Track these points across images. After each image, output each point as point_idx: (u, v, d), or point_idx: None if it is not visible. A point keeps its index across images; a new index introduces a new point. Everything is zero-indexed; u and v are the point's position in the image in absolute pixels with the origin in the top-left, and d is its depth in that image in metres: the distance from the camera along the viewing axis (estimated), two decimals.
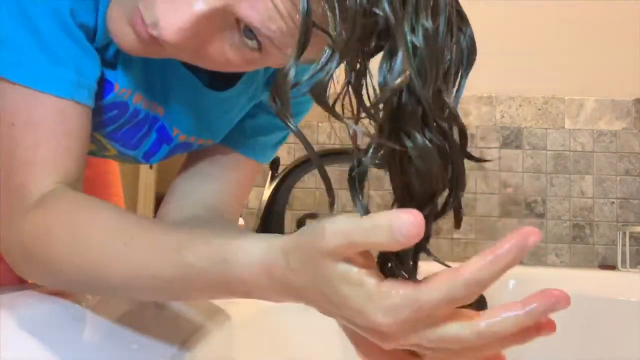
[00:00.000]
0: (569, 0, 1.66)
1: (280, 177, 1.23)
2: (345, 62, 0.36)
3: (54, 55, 0.51)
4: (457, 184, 0.38)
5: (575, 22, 1.68)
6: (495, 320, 0.34)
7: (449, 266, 0.34)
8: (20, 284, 0.54)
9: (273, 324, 0.93)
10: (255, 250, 0.38)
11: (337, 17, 0.35)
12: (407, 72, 0.35)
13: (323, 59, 0.35)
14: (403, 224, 0.31)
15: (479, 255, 0.32)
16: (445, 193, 0.38)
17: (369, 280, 0.34)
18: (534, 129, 1.68)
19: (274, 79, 0.36)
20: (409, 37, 0.36)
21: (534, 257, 1.65)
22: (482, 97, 1.69)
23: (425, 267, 0.37)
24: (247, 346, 0.76)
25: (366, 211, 0.34)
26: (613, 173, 1.66)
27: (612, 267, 1.56)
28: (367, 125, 0.37)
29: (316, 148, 1.75)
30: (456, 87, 0.40)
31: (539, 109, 1.68)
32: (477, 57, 0.41)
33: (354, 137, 0.37)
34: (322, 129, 1.68)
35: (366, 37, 0.38)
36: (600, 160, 1.66)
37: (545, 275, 1.47)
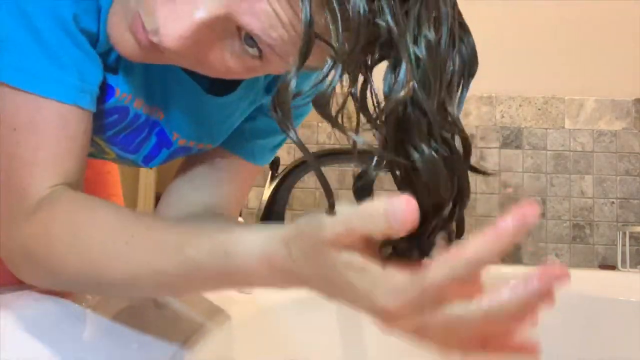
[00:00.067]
0: (569, 0, 1.66)
1: (280, 177, 1.23)
2: (347, 73, 0.37)
3: (57, 60, 0.51)
4: (461, 195, 0.38)
5: (575, 22, 1.68)
6: (500, 298, 0.34)
7: None
8: (20, 284, 0.54)
9: (273, 324, 0.93)
10: (256, 242, 0.39)
11: (340, 28, 0.36)
12: (411, 84, 0.35)
13: (325, 70, 0.35)
14: (397, 211, 0.32)
15: (479, 235, 0.33)
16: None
17: (373, 265, 0.34)
18: (534, 129, 1.68)
19: (276, 89, 0.36)
20: (411, 49, 0.36)
21: (534, 257, 1.65)
22: (482, 97, 1.69)
23: None
24: (247, 346, 0.76)
25: None
26: (613, 173, 1.66)
27: (612, 267, 1.56)
28: (371, 136, 0.37)
29: (316, 148, 1.75)
30: (458, 97, 0.40)
31: (539, 109, 1.68)
32: (477, 57, 0.41)
33: (355, 147, 0.37)
34: (322, 129, 1.68)
35: (368, 48, 0.38)
36: (600, 160, 1.66)
37: None
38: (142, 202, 1.47)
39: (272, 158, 0.76)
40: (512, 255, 1.66)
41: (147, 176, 1.46)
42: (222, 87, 0.64)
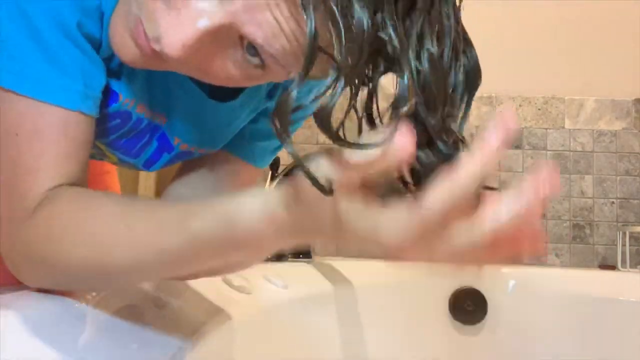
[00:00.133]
0: (569, 0, 1.66)
1: (280, 177, 1.23)
2: (349, 86, 0.37)
3: (61, 66, 0.51)
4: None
5: (575, 22, 1.68)
6: (498, 207, 0.34)
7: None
8: (20, 283, 0.54)
9: (273, 324, 0.93)
10: (258, 204, 0.40)
11: (343, 41, 0.36)
12: (413, 100, 0.36)
13: (327, 83, 0.35)
14: (394, 140, 0.32)
15: (469, 155, 0.33)
16: None
17: (374, 207, 0.35)
18: (534, 129, 1.68)
19: (277, 101, 0.36)
20: (413, 63, 0.37)
21: (534, 257, 1.65)
22: (482, 97, 1.69)
23: None
24: (247, 346, 0.76)
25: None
26: (613, 173, 1.66)
27: (612, 267, 1.56)
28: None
29: (316, 148, 1.75)
30: (462, 111, 0.40)
31: (539, 109, 1.68)
32: (481, 71, 0.41)
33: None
34: None
35: (372, 61, 0.38)
36: (600, 160, 1.66)
37: (545, 275, 1.47)
38: None
39: (272, 160, 0.76)
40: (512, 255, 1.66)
41: (147, 179, 1.46)
42: (224, 92, 0.63)
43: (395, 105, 0.36)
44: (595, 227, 1.65)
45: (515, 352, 1.37)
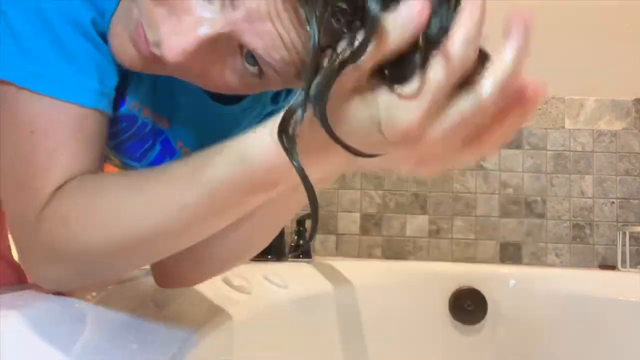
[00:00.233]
0: (569, 1, 1.66)
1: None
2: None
3: (77, 64, 0.51)
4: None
5: (575, 22, 1.68)
6: (492, 71, 0.36)
7: None
8: (20, 283, 0.54)
9: (273, 324, 0.93)
10: (266, 135, 0.40)
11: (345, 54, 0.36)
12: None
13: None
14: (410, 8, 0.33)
15: (457, 24, 0.35)
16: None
17: (381, 93, 0.36)
18: (534, 129, 1.68)
19: (282, 116, 0.36)
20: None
21: (534, 257, 1.65)
22: None
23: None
24: (247, 346, 0.76)
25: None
26: (613, 173, 1.66)
27: (612, 267, 1.56)
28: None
29: None
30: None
31: (539, 109, 1.68)
32: None
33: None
34: None
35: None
36: (600, 160, 1.66)
37: (545, 275, 1.47)
38: None
39: None
40: (512, 255, 1.66)
41: None
42: (228, 97, 0.63)
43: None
44: (595, 227, 1.65)
45: (515, 352, 1.37)
